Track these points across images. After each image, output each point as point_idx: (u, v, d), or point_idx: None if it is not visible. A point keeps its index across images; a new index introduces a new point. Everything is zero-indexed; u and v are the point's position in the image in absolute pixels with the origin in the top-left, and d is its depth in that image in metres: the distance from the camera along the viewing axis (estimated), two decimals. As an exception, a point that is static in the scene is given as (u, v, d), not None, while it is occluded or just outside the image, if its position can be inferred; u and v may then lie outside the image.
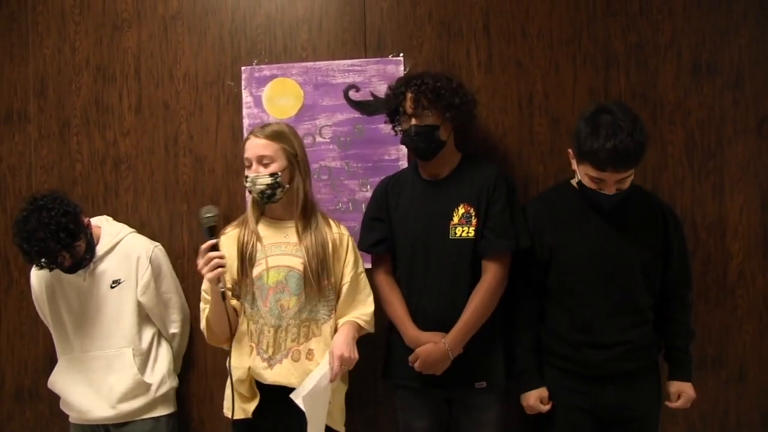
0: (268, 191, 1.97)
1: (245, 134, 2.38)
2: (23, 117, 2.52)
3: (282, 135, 2.00)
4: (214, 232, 1.93)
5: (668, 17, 2.29)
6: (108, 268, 2.21)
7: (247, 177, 1.99)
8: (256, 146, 1.98)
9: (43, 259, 2.04)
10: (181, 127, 2.46)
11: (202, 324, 2.04)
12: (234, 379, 1.98)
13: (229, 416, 2.02)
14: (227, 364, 2.00)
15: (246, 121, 2.41)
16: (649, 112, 2.29)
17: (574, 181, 2.06)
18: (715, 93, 2.28)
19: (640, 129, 1.86)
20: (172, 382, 2.28)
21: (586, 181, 1.94)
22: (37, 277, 2.27)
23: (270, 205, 2.03)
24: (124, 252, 2.24)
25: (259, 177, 1.96)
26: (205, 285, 2.01)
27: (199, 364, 2.44)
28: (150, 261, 2.25)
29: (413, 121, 2.03)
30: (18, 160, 2.53)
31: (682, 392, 2.04)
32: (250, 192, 2.02)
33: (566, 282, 2.02)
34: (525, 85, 2.34)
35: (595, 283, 1.99)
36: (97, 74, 2.49)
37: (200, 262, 1.89)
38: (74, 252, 2.10)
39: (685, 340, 2.06)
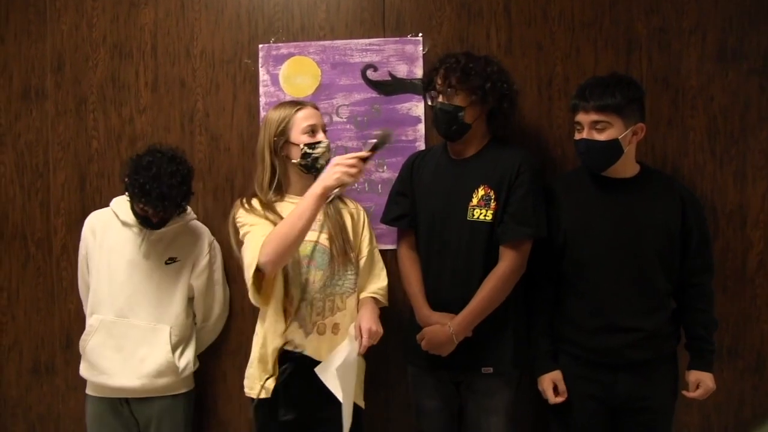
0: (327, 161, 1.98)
1: (261, 112, 2.39)
2: (40, 93, 2.52)
3: None
4: (377, 148, 1.83)
5: (694, 0, 2.24)
6: (168, 244, 2.20)
7: (318, 143, 1.99)
8: (318, 115, 2.04)
9: (159, 203, 2.04)
10: (197, 105, 2.45)
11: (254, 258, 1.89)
12: (270, 349, 1.97)
13: (254, 395, 2.01)
14: (261, 339, 2.00)
15: (263, 100, 2.40)
16: (671, 97, 2.25)
17: None
18: (740, 79, 2.23)
19: (627, 84, 1.95)
20: (195, 365, 2.29)
21: (575, 135, 1.99)
22: (91, 228, 2.24)
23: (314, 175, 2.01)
24: (189, 233, 2.24)
25: (329, 144, 2.03)
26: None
27: (213, 344, 2.44)
28: (210, 248, 2.27)
29: (440, 99, 2.02)
30: (35, 137, 2.53)
31: (701, 382, 2.00)
32: (315, 160, 1.99)
33: (580, 265, 2.00)
34: (545, 67, 2.30)
35: (610, 266, 1.97)
36: (114, 51, 2.49)
37: (344, 160, 1.78)
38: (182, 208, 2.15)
39: (707, 329, 2.02)
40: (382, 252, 2.21)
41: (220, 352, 2.45)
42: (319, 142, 2.00)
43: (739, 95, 2.23)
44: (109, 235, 2.21)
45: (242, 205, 2.03)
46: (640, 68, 2.26)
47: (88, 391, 2.26)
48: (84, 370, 2.24)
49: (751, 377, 2.25)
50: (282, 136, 2.00)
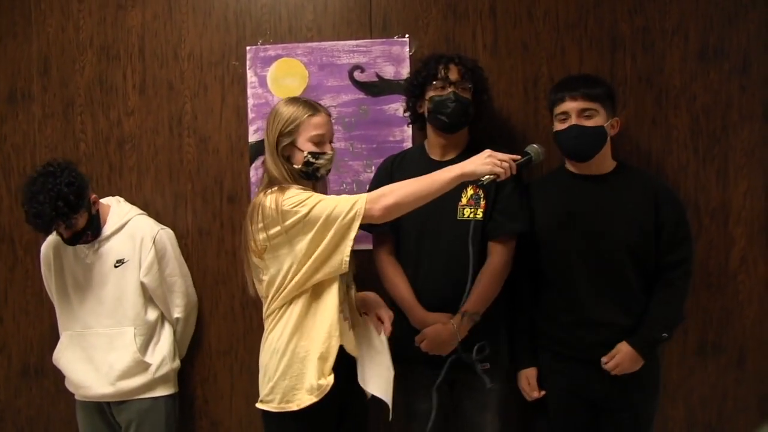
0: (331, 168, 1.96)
1: (250, 114, 2.39)
2: (27, 96, 2.52)
3: None
4: (526, 164, 1.91)
5: (676, 0, 2.27)
6: (113, 247, 2.22)
7: (323, 153, 1.89)
8: (329, 124, 1.93)
9: (38, 221, 2.04)
10: (185, 107, 2.45)
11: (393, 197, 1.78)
12: (333, 343, 1.82)
13: (295, 407, 1.81)
14: (325, 334, 1.81)
15: (250, 102, 2.41)
16: (655, 96, 2.28)
17: (569, 165, 2.08)
18: (722, 78, 2.26)
19: (602, 81, 2.08)
20: (172, 364, 2.29)
21: (557, 127, 2.02)
22: (46, 249, 2.29)
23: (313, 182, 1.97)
24: (130, 232, 2.25)
25: (333, 156, 1.94)
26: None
27: (203, 344, 2.46)
28: (154, 243, 2.26)
29: (451, 89, 2.03)
30: (22, 140, 2.53)
31: (618, 353, 1.95)
32: (316, 169, 1.90)
33: (556, 261, 2.03)
34: (530, 67, 2.32)
35: (584, 261, 1.99)
36: (101, 53, 2.48)
37: (498, 154, 1.79)
38: (71, 223, 2.10)
39: (660, 317, 1.97)
40: (361, 252, 2.16)
41: (210, 353, 2.46)
42: (324, 153, 1.90)
43: (721, 94, 2.27)
44: (61, 258, 2.26)
45: (286, 189, 1.84)
46: (624, 68, 2.29)
47: (76, 396, 2.30)
48: (67, 384, 2.31)
49: (734, 371, 2.28)
50: (288, 136, 1.88)
